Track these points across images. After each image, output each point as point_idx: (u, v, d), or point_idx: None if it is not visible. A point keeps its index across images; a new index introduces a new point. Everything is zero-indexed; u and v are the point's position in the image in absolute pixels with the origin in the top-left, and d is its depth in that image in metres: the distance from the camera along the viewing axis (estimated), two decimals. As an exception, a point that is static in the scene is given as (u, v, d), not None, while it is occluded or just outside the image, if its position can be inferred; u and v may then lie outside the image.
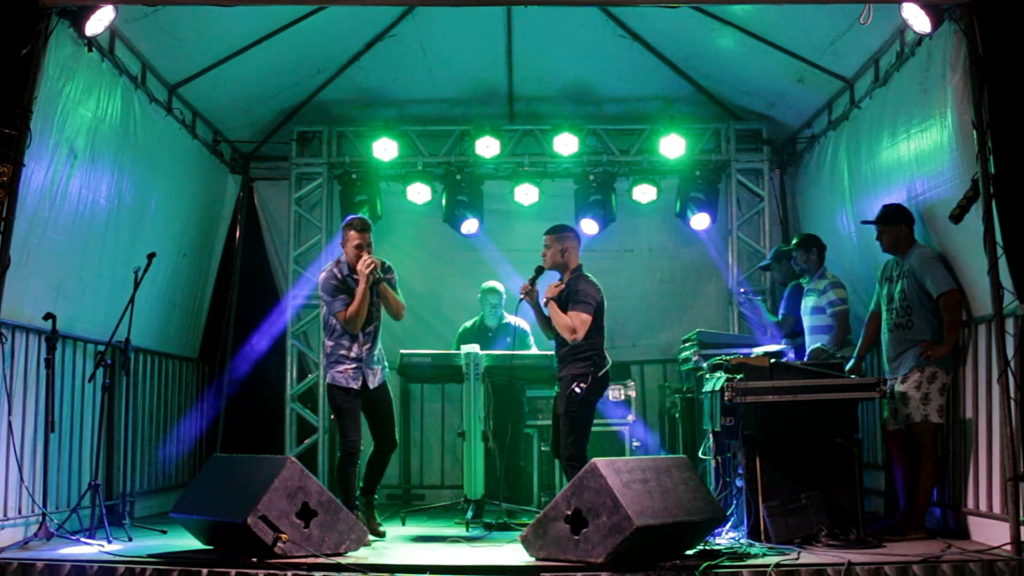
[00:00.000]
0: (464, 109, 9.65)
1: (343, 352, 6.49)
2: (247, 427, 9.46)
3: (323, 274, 6.60)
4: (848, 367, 6.51)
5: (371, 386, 6.54)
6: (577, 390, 6.29)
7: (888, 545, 5.70)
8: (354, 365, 6.49)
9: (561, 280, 6.57)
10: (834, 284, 7.14)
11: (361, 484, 6.68)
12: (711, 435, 6.77)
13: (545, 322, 6.62)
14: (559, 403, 6.42)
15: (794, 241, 7.49)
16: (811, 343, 7.11)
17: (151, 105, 7.62)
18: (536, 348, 8.04)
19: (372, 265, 6.38)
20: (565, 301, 6.42)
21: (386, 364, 6.73)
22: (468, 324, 8.68)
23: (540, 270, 6.61)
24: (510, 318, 8.48)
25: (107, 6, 6.21)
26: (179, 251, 8.59)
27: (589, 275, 6.52)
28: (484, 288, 8.56)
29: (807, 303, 7.27)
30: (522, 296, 6.57)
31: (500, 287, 8.56)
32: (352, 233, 6.51)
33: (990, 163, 5.66)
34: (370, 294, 6.46)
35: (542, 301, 6.48)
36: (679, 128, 9.18)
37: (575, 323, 6.30)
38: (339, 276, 6.49)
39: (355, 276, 6.45)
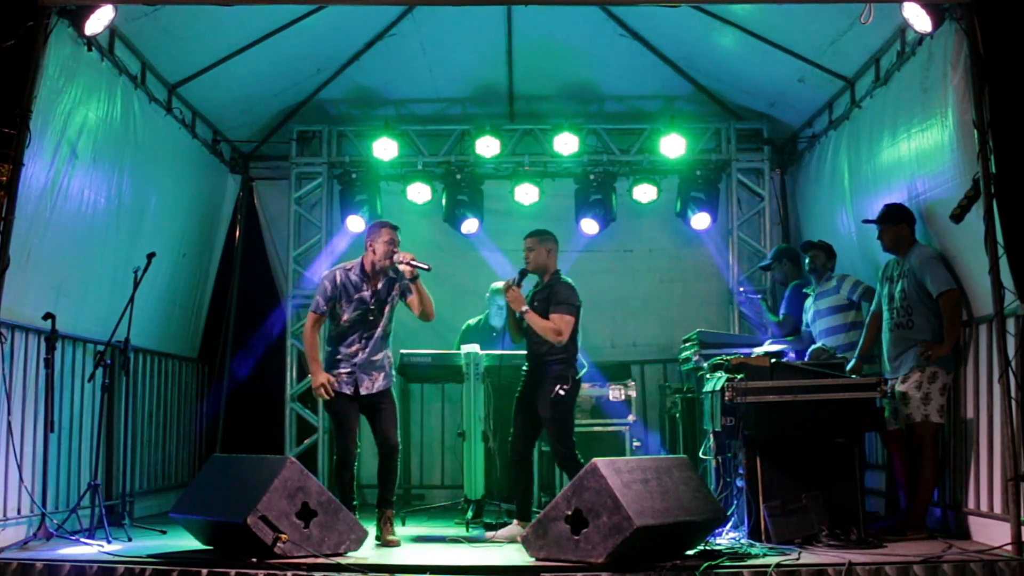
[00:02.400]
0: (464, 108, 9.65)
1: (338, 356, 6.39)
2: (247, 427, 9.44)
3: (325, 273, 6.58)
4: (849, 367, 6.51)
5: (363, 392, 6.35)
6: (561, 392, 6.41)
7: (889, 545, 5.69)
8: (348, 370, 6.36)
9: (540, 282, 6.69)
10: (842, 276, 7.17)
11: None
12: (711, 435, 6.75)
13: (517, 324, 6.73)
14: (541, 407, 6.45)
15: (813, 242, 7.44)
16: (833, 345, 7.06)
17: (151, 105, 7.61)
18: None
19: (410, 256, 6.42)
20: (545, 303, 6.51)
21: (392, 372, 6.58)
22: (472, 322, 8.67)
23: (524, 273, 6.69)
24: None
25: (106, 5, 6.20)
26: (179, 251, 8.58)
27: (568, 279, 6.65)
28: (493, 288, 8.53)
29: (821, 305, 7.21)
30: (506, 293, 6.57)
31: None
32: (385, 230, 6.47)
33: (991, 163, 5.65)
34: (379, 301, 6.41)
35: (523, 309, 6.47)
36: (679, 127, 9.17)
37: (559, 325, 6.43)
38: (336, 279, 6.40)
39: (364, 280, 6.40)
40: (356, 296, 6.38)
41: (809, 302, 7.39)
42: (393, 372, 6.63)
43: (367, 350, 6.39)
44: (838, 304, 7.13)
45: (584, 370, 6.71)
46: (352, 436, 6.35)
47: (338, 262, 9.32)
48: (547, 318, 6.49)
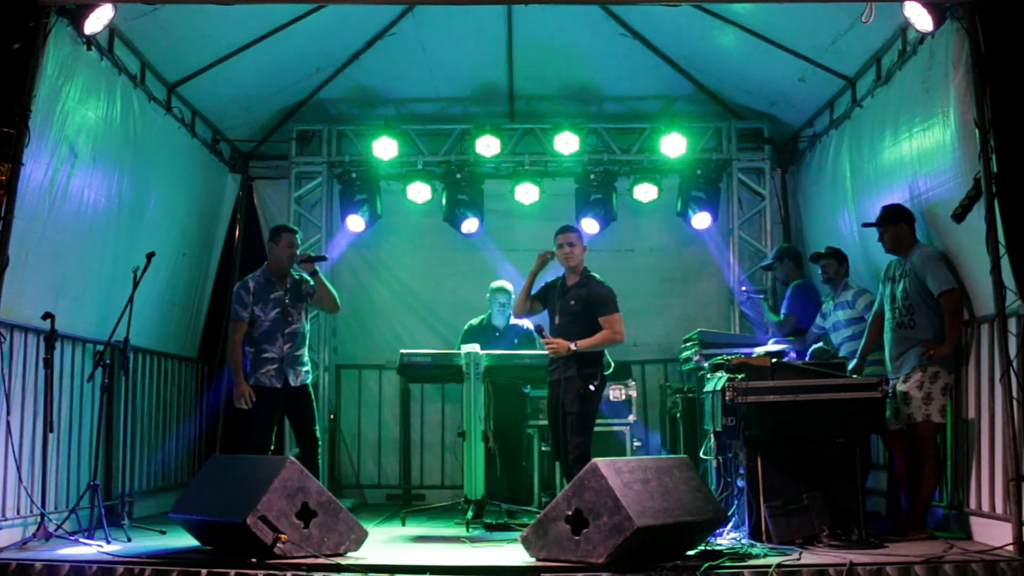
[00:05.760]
0: (464, 108, 9.64)
1: (264, 355, 6.81)
2: (246, 427, 9.39)
3: (238, 284, 6.99)
4: (850, 367, 6.49)
5: (292, 383, 6.84)
6: (591, 388, 6.44)
7: (890, 545, 5.68)
8: (276, 365, 6.81)
9: (561, 279, 6.72)
10: (860, 291, 7.10)
11: None
12: (712, 435, 6.74)
13: (526, 298, 6.87)
14: (568, 402, 6.43)
15: (822, 252, 7.37)
16: (848, 351, 7.02)
17: (150, 104, 7.59)
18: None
19: (306, 255, 7.09)
20: (584, 303, 6.52)
21: (310, 368, 7.04)
22: (474, 322, 8.65)
23: (540, 329, 6.81)
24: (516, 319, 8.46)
25: (106, 4, 6.19)
26: (178, 250, 8.57)
27: (598, 275, 6.69)
28: (493, 288, 8.52)
29: (840, 316, 7.13)
30: (546, 346, 6.60)
31: (509, 287, 8.52)
32: (285, 235, 7.01)
33: (992, 162, 5.64)
34: (293, 299, 6.92)
35: (572, 348, 6.49)
36: (680, 127, 9.17)
37: (616, 328, 6.50)
38: (249, 286, 6.85)
39: (272, 283, 6.89)
40: (272, 297, 6.87)
41: (827, 308, 7.33)
42: (311, 370, 7.08)
43: (289, 346, 6.86)
44: (854, 317, 7.06)
45: (611, 368, 6.75)
46: (271, 432, 6.83)
47: (338, 261, 9.42)
48: (588, 317, 6.50)
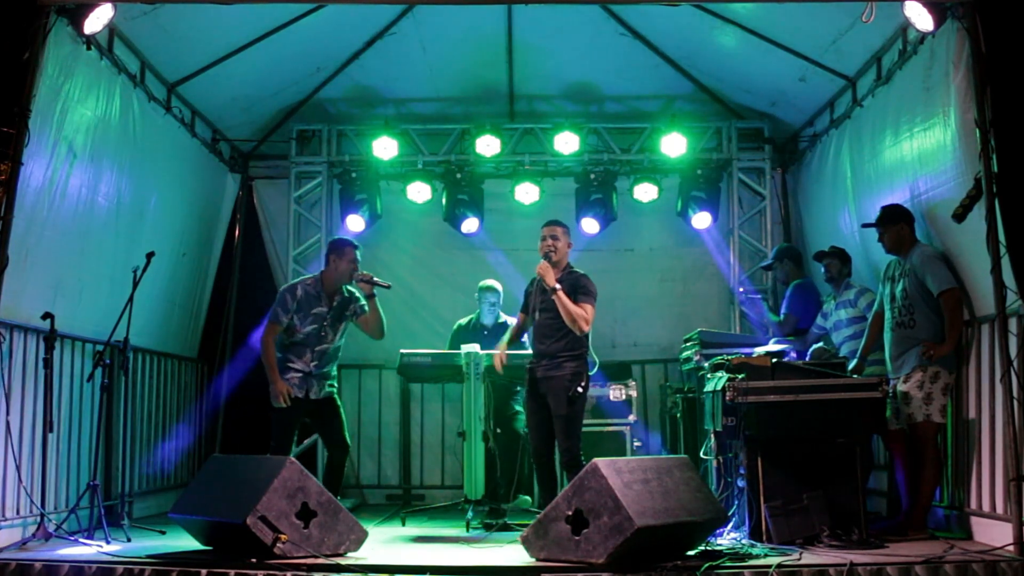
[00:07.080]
0: (464, 108, 9.63)
1: (290, 364, 6.71)
2: (246, 427, 9.42)
3: (286, 286, 6.87)
4: (851, 367, 6.49)
5: (312, 396, 6.73)
6: (579, 390, 6.35)
7: (890, 546, 5.67)
8: (300, 375, 6.71)
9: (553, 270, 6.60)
10: (862, 290, 7.09)
11: None
12: (712, 435, 6.74)
13: (517, 334, 6.87)
14: (555, 404, 6.39)
15: (826, 251, 7.35)
16: (849, 350, 7.02)
17: (150, 104, 7.59)
18: (530, 348, 8.00)
19: (371, 276, 6.82)
20: (568, 293, 6.42)
21: (335, 384, 6.92)
22: (463, 321, 8.64)
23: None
24: (506, 317, 8.45)
25: (106, 4, 6.19)
26: (178, 250, 8.56)
27: (580, 270, 6.60)
28: (482, 286, 8.51)
29: (842, 315, 7.12)
30: (539, 268, 6.48)
31: (498, 286, 8.51)
32: (348, 249, 6.82)
33: (993, 162, 5.64)
34: (334, 318, 6.76)
35: (556, 286, 6.38)
36: (680, 127, 9.17)
37: (588, 314, 6.37)
38: (297, 293, 6.70)
39: (321, 295, 6.73)
40: (313, 311, 6.71)
41: (829, 308, 7.32)
42: (335, 383, 6.93)
43: (317, 363, 6.73)
44: (856, 316, 7.05)
45: (596, 368, 6.68)
46: (290, 441, 6.75)
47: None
48: None
